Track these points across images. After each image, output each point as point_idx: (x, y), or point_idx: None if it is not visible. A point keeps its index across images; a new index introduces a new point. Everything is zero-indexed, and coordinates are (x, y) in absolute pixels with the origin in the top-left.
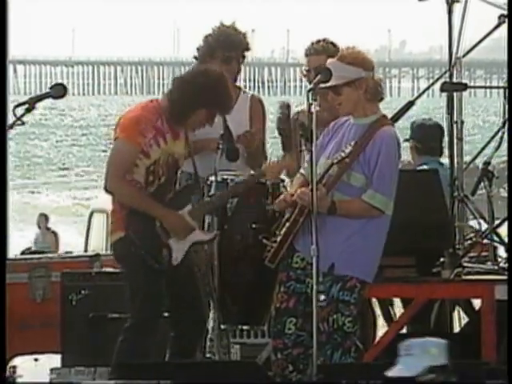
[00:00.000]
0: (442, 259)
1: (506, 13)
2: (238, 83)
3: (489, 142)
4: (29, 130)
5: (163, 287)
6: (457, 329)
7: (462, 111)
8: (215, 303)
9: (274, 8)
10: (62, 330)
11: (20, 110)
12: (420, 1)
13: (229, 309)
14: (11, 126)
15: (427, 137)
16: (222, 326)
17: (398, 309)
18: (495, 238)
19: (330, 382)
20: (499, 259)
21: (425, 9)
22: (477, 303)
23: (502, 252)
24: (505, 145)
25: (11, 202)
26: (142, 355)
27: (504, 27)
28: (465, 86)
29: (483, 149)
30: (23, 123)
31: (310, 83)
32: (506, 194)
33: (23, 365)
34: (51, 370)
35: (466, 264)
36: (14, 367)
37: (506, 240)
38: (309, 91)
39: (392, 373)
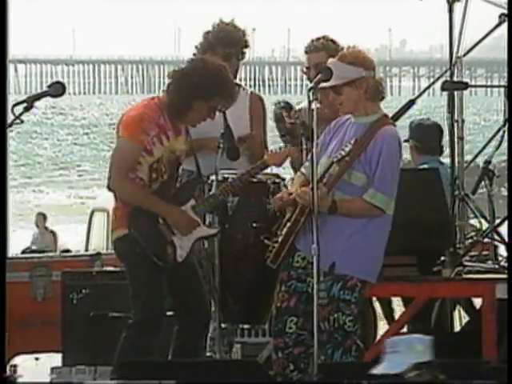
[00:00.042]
0: (442, 258)
1: (506, 12)
2: (238, 81)
3: (489, 141)
4: (30, 129)
5: (166, 284)
6: (457, 328)
7: (463, 110)
8: (216, 302)
9: (274, 7)
10: (62, 329)
11: (19, 109)
12: (420, 0)
13: (230, 308)
14: (10, 125)
15: (426, 136)
16: (223, 325)
17: (399, 308)
18: (496, 237)
19: (331, 382)
20: (500, 258)
21: (425, 8)
22: (477, 302)
23: (502, 251)
24: (505, 144)
25: (12, 200)
26: (145, 353)
27: (504, 26)
28: (465, 85)
29: (484, 148)
30: (22, 122)
31: (310, 80)
32: (506, 193)
33: (24, 364)
34: (52, 369)
35: (466, 263)
36: (15, 366)
37: (507, 239)
38: (309, 90)
39: (377, 370)
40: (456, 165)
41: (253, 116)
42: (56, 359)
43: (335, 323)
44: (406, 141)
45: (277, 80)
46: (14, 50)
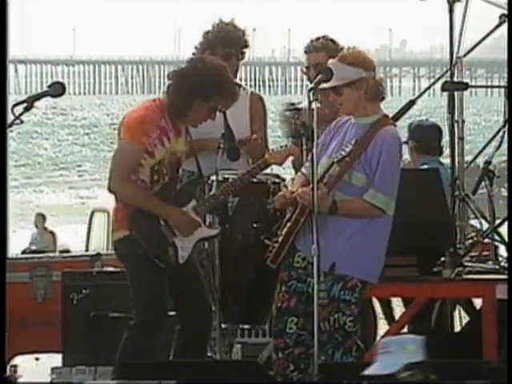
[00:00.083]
0: (442, 258)
1: (506, 12)
2: (238, 81)
3: (490, 142)
4: (31, 129)
5: (168, 286)
6: (458, 328)
7: (463, 110)
8: (216, 303)
9: (274, 7)
10: (62, 330)
11: (19, 109)
12: (421, 0)
13: (230, 308)
14: (10, 125)
15: (426, 137)
16: (223, 326)
17: (399, 308)
18: (496, 238)
19: (331, 382)
20: (500, 258)
21: (426, 8)
22: (478, 302)
23: (502, 251)
24: (505, 144)
25: (13, 200)
26: (147, 354)
27: (505, 26)
28: (466, 86)
29: (484, 148)
30: (22, 122)
31: (309, 80)
32: (506, 194)
33: (24, 364)
34: (52, 369)
35: (466, 263)
36: (15, 366)
37: (507, 239)
38: (310, 91)
39: (369, 371)
40: (456, 165)
41: (253, 116)
42: (56, 359)
43: (335, 323)
44: (405, 142)
45: (277, 80)
46: (14, 50)
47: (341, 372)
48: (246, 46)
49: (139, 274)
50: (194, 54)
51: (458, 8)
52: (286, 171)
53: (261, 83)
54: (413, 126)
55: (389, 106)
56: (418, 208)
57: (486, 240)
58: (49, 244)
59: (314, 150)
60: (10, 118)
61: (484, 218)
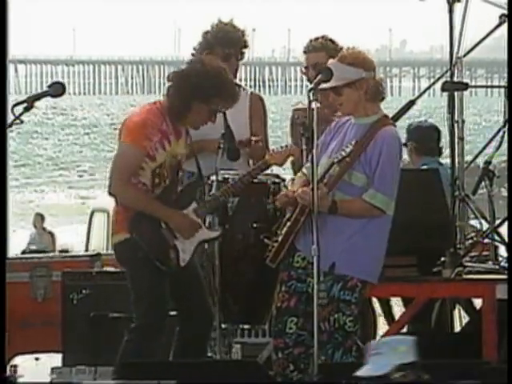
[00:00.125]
0: (442, 258)
1: (506, 12)
2: (238, 81)
3: (490, 142)
4: (31, 129)
5: (168, 288)
6: (458, 328)
7: (463, 110)
8: (216, 303)
9: (274, 7)
10: (62, 330)
11: (19, 109)
12: (421, 0)
13: (230, 308)
14: (10, 125)
15: (425, 138)
16: (223, 326)
17: (399, 308)
18: (496, 238)
19: (331, 382)
20: (500, 259)
21: (425, 8)
22: (478, 303)
23: (502, 251)
24: (505, 144)
25: (13, 200)
26: (148, 357)
27: (505, 26)
28: (466, 86)
29: (484, 148)
30: (22, 122)
31: (309, 80)
32: (506, 194)
33: (24, 364)
34: (52, 369)
35: (466, 263)
36: (15, 366)
37: (507, 239)
38: (310, 91)
39: (361, 372)
40: (456, 165)
41: (253, 116)
42: (56, 359)
43: (335, 323)
44: (404, 144)
45: (277, 80)
46: (14, 50)
47: (341, 372)
48: (246, 47)
49: (140, 277)
50: (193, 54)
51: (458, 8)
52: (286, 171)
53: (261, 83)
54: (412, 127)
55: (389, 106)
56: (417, 208)
57: (486, 240)
58: (48, 244)
59: (314, 151)
60: (10, 117)
61: (484, 218)
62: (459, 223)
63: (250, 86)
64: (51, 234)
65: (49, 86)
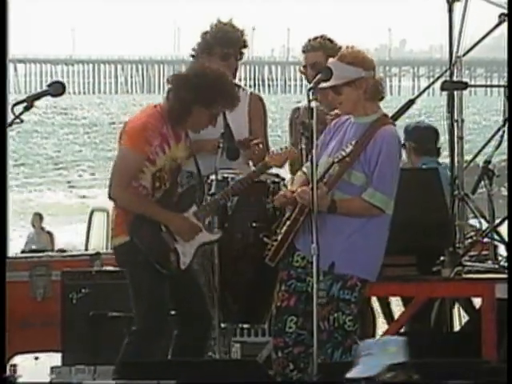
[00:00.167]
0: (442, 258)
1: (506, 11)
2: (237, 81)
3: (489, 141)
4: (31, 129)
5: (168, 291)
6: (457, 327)
7: (463, 110)
8: (216, 302)
9: (274, 7)
10: (62, 329)
11: (19, 109)
12: None
13: (229, 307)
14: (10, 124)
15: (423, 138)
16: (223, 325)
17: (399, 307)
18: (495, 237)
19: (331, 381)
20: (499, 258)
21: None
22: (477, 302)
23: (502, 251)
24: (505, 143)
25: (13, 200)
26: (148, 359)
27: (504, 26)
28: (465, 85)
29: (483, 147)
30: (22, 121)
31: (307, 79)
32: (506, 193)
33: (23, 363)
34: (51, 368)
35: (466, 263)
36: (15, 366)
37: (507, 239)
38: (309, 90)
39: (352, 373)
40: (456, 164)
41: (253, 117)
42: (56, 359)
43: (335, 323)
44: (402, 145)
45: (276, 80)
46: (13, 49)
47: (340, 371)
48: (245, 46)
49: (140, 280)
50: (192, 55)
51: (458, 7)
52: (286, 171)
53: (260, 83)
54: (410, 127)
55: (388, 106)
56: (417, 207)
57: (486, 239)
58: (46, 244)
59: (314, 151)
60: (10, 117)
61: (483, 217)
62: (459, 222)
63: (250, 86)
64: (50, 234)
65: (48, 86)
